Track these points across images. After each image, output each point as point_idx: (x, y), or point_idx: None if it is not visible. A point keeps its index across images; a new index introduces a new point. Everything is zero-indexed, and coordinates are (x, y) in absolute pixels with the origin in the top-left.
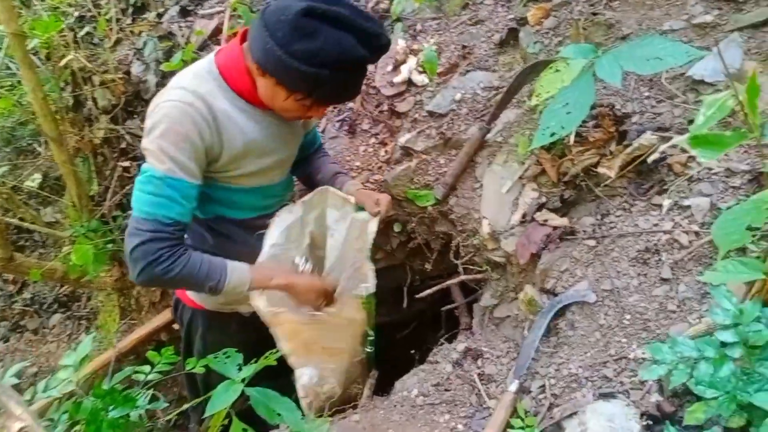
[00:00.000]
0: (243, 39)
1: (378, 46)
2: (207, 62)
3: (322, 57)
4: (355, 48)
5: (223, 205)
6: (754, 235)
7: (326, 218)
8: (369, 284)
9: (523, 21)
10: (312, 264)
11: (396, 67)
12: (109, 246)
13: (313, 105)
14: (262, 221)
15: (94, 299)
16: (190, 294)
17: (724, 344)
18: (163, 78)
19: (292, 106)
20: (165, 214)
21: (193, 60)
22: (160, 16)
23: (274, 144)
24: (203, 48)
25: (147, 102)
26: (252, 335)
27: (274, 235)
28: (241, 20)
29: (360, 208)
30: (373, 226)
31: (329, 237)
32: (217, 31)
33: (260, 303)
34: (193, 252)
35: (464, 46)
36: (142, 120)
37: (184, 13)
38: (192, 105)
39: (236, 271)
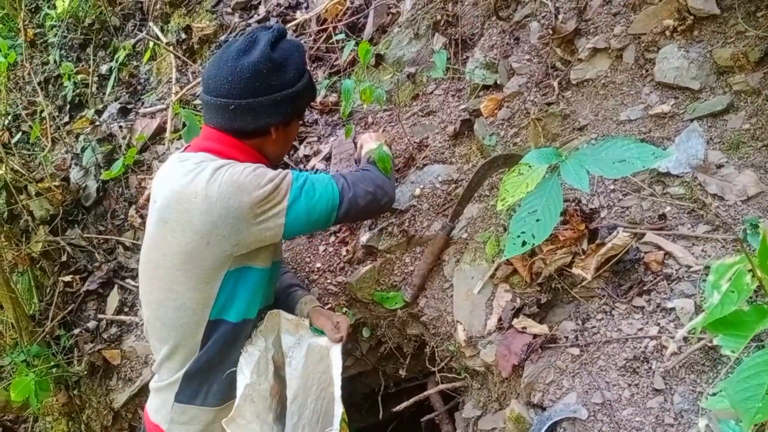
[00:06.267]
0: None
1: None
2: (197, 156)
3: (302, 62)
4: (297, 41)
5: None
6: None
7: (281, 343)
8: (333, 430)
9: (476, 112)
10: (277, 384)
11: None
12: (54, 371)
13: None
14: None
15: (41, 421)
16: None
17: None
18: (104, 184)
19: (297, 130)
20: (324, 175)
21: (135, 164)
22: (98, 113)
23: None
24: (145, 150)
25: (88, 210)
26: None
27: (246, 373)
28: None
29: (316, 329)
30: (338, 356)
31: (287, 365)
32: (160, 130)
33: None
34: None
35: (419, 139)
36: (83, 229)
37: (124, 111)
38: (237, 161)
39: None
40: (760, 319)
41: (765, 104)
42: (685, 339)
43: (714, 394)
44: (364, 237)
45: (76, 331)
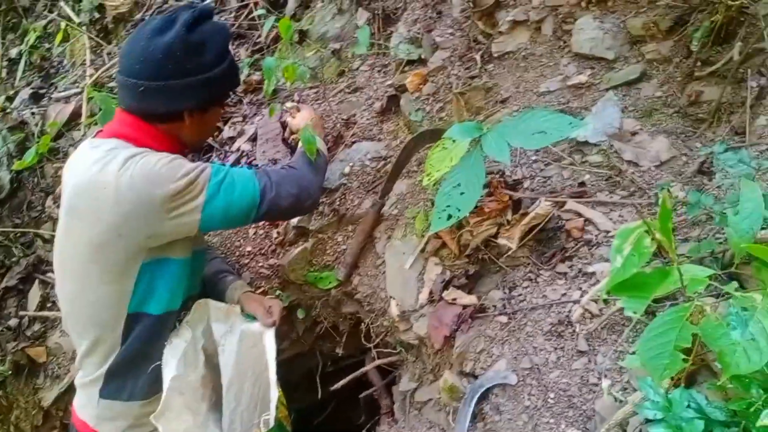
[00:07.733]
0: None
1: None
2: (108, 143)
3: (223, 47)
4: (222, 24)
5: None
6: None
7: (212, 332)
8: (269, 415)
9: (402, 88)
10: (210, 373)
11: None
12: None
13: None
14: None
15: None
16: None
17: None
18: (18, 174)
19: (218, 117)
20: (246, 171)
21: (50, 152)
22: (9, 99)
23: None
24: (60, 137)
25: (2, 203)
26: None
27: (172, 366)
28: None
29: (248, 315)
30: (271, 340)
31: (220, 353)
32: (75, 115)
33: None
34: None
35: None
36: None
37: (37, 97)
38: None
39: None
40: (660, 280)
41: (675, 72)
42: (605, 302)
43: (633, 353)
44: (294, 218)
45: None
